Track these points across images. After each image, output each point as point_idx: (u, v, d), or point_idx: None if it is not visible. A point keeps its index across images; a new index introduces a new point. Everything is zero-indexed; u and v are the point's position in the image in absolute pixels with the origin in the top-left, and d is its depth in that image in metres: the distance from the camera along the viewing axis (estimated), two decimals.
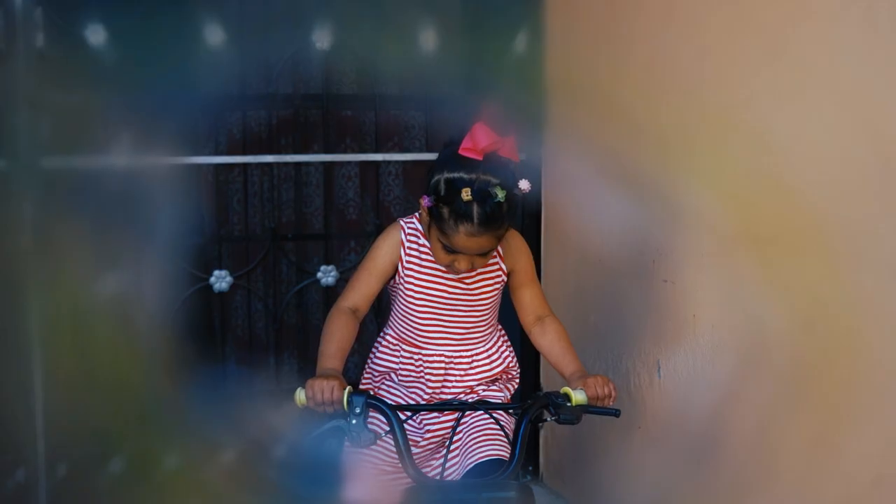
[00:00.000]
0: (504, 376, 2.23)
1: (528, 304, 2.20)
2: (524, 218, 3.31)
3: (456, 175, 1.97)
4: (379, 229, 3.28)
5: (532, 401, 1.93)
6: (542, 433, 3.31)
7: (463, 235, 1.96)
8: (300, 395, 1.90)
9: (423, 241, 2.14)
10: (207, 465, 3.00)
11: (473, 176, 1.96)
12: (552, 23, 3.06)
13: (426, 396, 2.17)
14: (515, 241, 2.20)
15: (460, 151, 2.00)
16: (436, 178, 2.01)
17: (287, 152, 3.25)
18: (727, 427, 2.26)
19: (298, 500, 2.67)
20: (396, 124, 3.35)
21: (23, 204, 2.80)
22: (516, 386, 2.28)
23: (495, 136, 1.98)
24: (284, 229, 3.28)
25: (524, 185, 1.99)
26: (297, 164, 3.27)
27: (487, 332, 2.21)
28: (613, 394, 1.97)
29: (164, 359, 2.85)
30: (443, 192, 1.98)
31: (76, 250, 2.80)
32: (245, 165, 3.25)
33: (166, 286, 3.02)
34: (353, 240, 3.34)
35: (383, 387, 2.23)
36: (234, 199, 3.27)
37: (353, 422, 1.85)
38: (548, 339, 2.17)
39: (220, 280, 3.21)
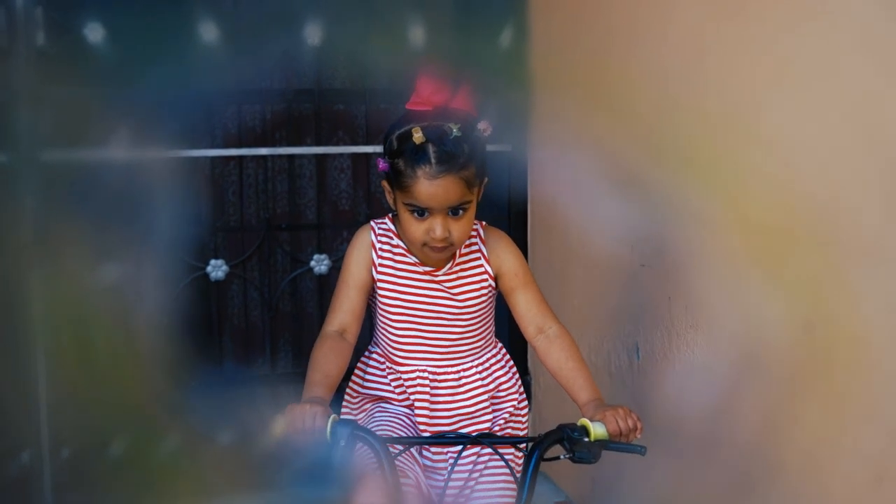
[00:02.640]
0: (512, 413, 2.01)
1: (525, 311, 1.96)
2: (510, 210, 3.40)
3: (407, 127, 1.82)
4: (370, 219, 3.38)
5: (544, 435, 1.69)
6: (530, 415, 3.39)
7: (423, 181, 1.79)
8: (279, 422, 1.67)
9: (396, 241, 1.96)
10: (205, 448, 3.08)
11: (425, 123, 1.81)
12: (536, 17, 3.13)
13: (422, 423, 1.95)
14: (501, 241, 2.01)
15: (408, 106, 1.87)
16: (388, 139, 1.87)
17: (281, 145, 3.33)
18: (701, 405, 2.32)
19: (299, 496, 2.73)
20: (387, 117, 3.38)
21: (24, 197, 2.86)
22: (524, 421, 2.07)
23: (442, 85, 1.85)
24: (279, 220, 3.37)
25: (483, 125, 1.85)
26: (291, 157, 3.35)
27: (477, 345, 2.00)
28: (639, 425, 1.73)
29: (162, 345, 2.92)
30: (395, 146, 1.84)
31: (77, 241, 2.85)
32: (240, 158, 3.33)
33: (164, 275, 3.09)
34: (345, 230, 3.42)
35: (376, 415, 2.00)
36: (229, 191, 3.35)
37: (337, 455, 1.64)
38: (554, 359, 1.91)
39: (217, 269, 3.30)
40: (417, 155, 1.79)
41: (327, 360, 1.85)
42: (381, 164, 1.87)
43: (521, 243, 3.35)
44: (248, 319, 3.39)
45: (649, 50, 2.47)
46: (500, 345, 2.08)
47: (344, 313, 1.92)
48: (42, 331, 2.89)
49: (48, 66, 2.94)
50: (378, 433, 1.85)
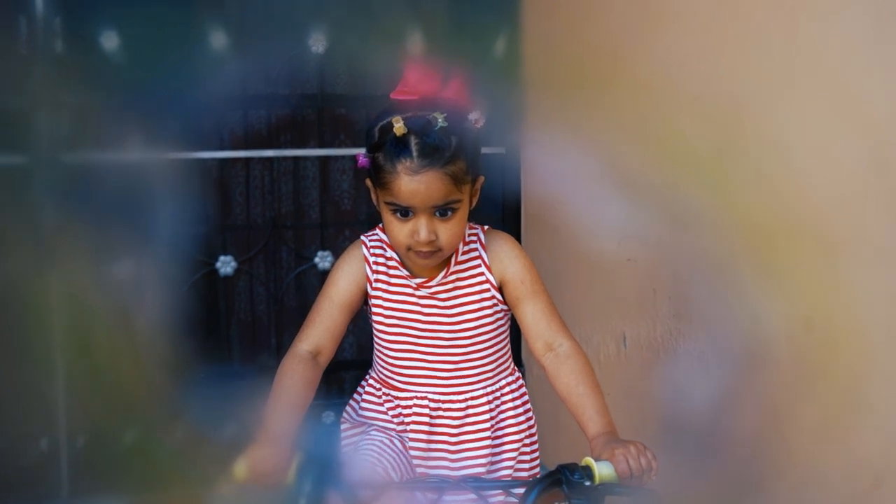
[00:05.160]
0: (520, 453, 1.77)
1: (532, 324, 1.69)
2: (504, 209, 3.53)
3: (388, 118, 1.60)
4: (371, 217, 3.49)
5: (538, 479, 1.45)
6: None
7: (404, 177, 1.56)
8: (239, 467, 1.45)
9: (389, 252, 1.73)
10: (214, 436, 3.20)
11: (409, 113, 1.59)
12: (529, 19, 3.23)
13: (417, 458, 1.73)
14: (506, 245, 1.76)
15: (392, 96, 1.65)
16: (370, 132, 1.65)
17: (286, 148, 3.44)
18: (687, 392, 2.40)
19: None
20: None
21: (43, 196, 2.97)
22: (530, 461, 1.81)
23: (431, 73, 1.63)
24: (284, 219, 3.48)
25: (475, 115, 1.64)
26: (295, 159, 3.46)
27: (488, 368, 1.74)
28: (654, 465, 1.45)
29: (174, 338, 3.04)
30: (376, 139, 1.61)
31: (92, 239, 2.94)
32: (247, 160, 3.43)
33: (176, 271, 3.19)
34: (347, 228, 3.53)
35: (363, 447, 1.73)
36: (236, 192, 3.46)
37: (303, 501, 1.41)
38: (563, 382, 1.63)
39: (225, 265, 3.43)
40: (398, 148, 1.57)
41: (296, 389, 1.61)
42: (361, 160, 1.65)
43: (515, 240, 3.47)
44: (255, 313, 3.52)
45: (642, 51, 2.52)
46: (518, 374, 1.82)
47: (322, 331, 1.69)
48: (59, 324, 2.98)
49: (66, 72, 3.04)
50: (362, 466, 1.67)
